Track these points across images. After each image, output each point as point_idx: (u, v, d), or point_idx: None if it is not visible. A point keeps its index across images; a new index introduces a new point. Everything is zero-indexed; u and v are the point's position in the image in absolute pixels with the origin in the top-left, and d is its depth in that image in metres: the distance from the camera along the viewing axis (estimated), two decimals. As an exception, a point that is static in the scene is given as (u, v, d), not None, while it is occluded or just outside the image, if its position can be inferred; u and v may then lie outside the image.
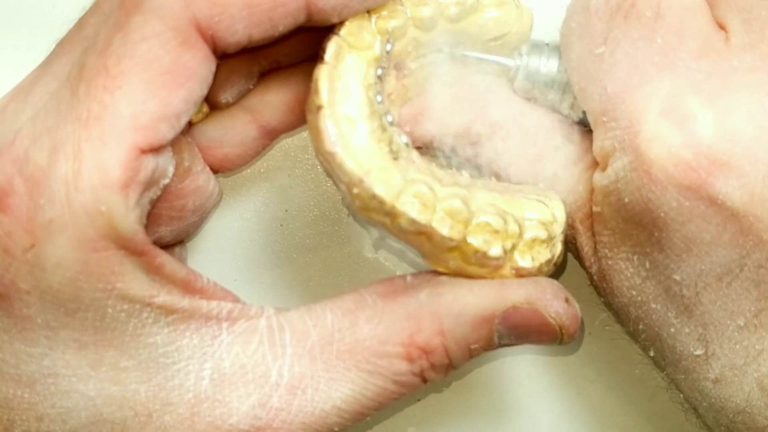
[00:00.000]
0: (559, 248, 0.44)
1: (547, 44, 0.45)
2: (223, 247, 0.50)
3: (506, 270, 0.43)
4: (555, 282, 0.44)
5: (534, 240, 0.43)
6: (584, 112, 0.44)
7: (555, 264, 0.44)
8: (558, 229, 0.44)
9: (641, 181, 0.40)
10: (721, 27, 0.41)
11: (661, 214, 0.40)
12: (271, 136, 0.46)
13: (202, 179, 0.44)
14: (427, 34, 0.44)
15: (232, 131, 0.45)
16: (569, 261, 0.47)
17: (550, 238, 0.43)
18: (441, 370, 0.42)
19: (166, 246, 0.45)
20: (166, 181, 0.40)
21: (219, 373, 0.40)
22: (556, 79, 0.45)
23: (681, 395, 0.44)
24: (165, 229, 0.43)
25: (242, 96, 0.45)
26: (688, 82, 0.40)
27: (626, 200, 0.41)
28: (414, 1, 0.43)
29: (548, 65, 0.45)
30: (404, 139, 0.42)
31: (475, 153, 0.46)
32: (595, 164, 0.43)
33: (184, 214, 0.43)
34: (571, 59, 0.43)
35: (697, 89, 0.40)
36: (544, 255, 0.43)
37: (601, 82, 0.42)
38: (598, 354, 0.49)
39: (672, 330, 0.42)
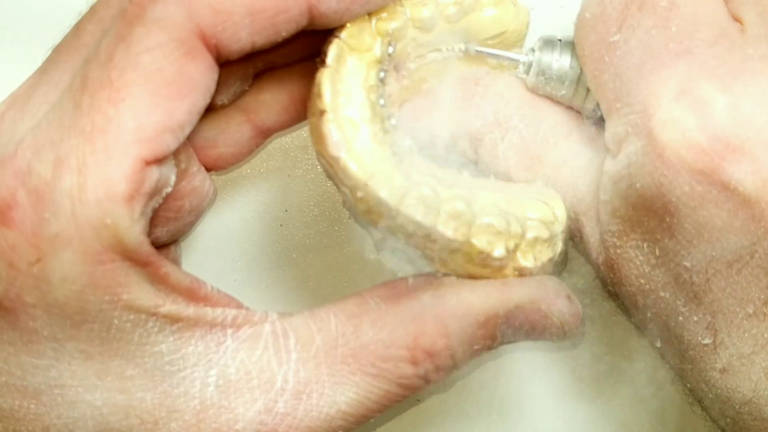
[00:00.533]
0: (560, 246, 0.44)
1: (560, 40, 0.45)
2: (223, 248, 0.50)
3: (509, 270, 0.43)
4: (556, 280, 0.44)
5: (536, 239, 0.43)
6: (597, 106, 0.44)
7: (556, 262, 0.44)
8: (559, 228, 0.44)
9: (653, 165, 0.40)
10: (737, 20, 0.41)
11: (673, 199, 0.39)
12: (265, 135, 0.46)
13: (198, 180, 0.43)
14: (427, 35, 0.44)
15: (226, 131, 0.45)
16: (571, 259, 0.47)
17: (551, 237, 0.43)
18: (445, 372, 0.42)
19: (162, 246, 0.44)
20: (169, 189, 0.40)
21: (224, 379, 0.40)
22: (568, 74, 0.45)
23: (685, 387, 0.44)
24: (161, 230, 0.43)
25: (237, 97, 0.45)
26: (702, 68, 0.40)
27: (638, 185, 0.40)
28: (413, 1, 0.43)
29: (561, 60, 0.45)
30: (407, 141, 0.42)
31: (475, 150, 0.46)
32: (603, 154, 0.43)
33: (181, 215, 0.43)
34: (585, 48, 0.43)
35: (711, 74, 0.40)
36: (546, 254, 0.44)
37: (616, 68, 0.42)
38: (598, 353, 0.49)
39: (680, 319, 0.42)
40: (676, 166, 0.39)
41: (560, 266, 0.46)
